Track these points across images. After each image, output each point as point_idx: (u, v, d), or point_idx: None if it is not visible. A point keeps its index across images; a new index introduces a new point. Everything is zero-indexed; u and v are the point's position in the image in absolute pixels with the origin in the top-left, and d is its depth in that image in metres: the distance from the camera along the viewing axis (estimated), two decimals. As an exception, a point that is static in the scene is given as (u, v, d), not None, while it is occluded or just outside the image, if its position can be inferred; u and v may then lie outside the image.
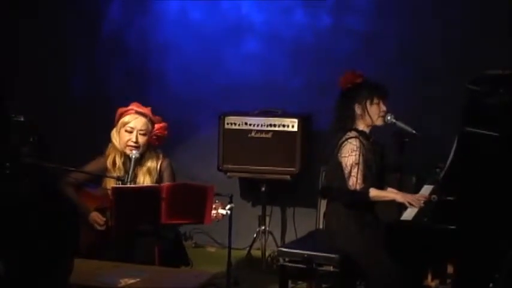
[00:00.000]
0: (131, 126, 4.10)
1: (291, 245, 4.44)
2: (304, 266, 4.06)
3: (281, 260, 4.18)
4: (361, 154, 3.95)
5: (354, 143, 3.97)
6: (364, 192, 3.93)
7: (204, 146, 5.71)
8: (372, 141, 4.06)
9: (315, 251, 4.06)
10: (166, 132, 4.21)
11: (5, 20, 5.96)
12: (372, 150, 4.03)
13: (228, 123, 5.34)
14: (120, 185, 3.91)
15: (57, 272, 2.03)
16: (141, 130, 4.09)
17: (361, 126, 4.08)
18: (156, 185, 3.93)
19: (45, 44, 6.06)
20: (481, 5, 5.19)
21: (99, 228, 4.07)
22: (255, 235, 5.46)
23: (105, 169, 4.13)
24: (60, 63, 6.10)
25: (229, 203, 3.91)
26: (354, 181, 3.93)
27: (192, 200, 3.71)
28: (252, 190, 5.67)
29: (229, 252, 4.48)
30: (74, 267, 2.08)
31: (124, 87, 5.95)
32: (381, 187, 4.08)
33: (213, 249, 5.78)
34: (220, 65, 5.86)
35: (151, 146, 4.17)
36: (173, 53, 5.97)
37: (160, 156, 4.18)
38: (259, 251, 5.44)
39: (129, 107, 4.16)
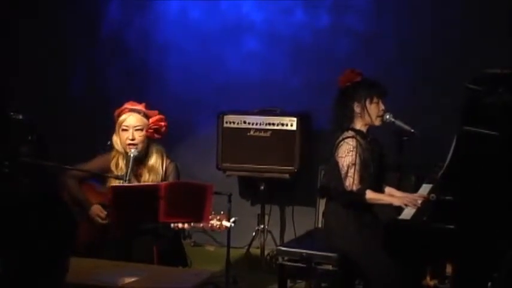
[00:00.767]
0: (126, 124, 4.09)
1: (290, 243, 4.43)
2: (303, 265, 4.06)
3: (280, 258, 4.19)
4: (357, 154, 3.91)
5: (351, 143, 3.94)
6: (361, 193, 3.90)
7: (203, 145, 5.71)
8: (369, 141, 4.03)
9: (313, 250, 4.06)
10: (163, 124, 4.15)
11: (5, 20, 5.96)
12: (370, 150, 4.00)
13: (227, 122, 5.34)
14: (119, 184, 3.91)
15: (55, 272, 2.03)
16: (136, 126, 4.08)
17: (359, 125, 4.04)
18: (155, 183, 3.92)
19: (45, 44, 6.06)
20: (481, 5, 5.18)
21: (100, 221, 4.05)
22: (254, 234, 5.45)
23: (109, 170, 4.13)
24: (60, 63, 6.10)
25: (229, 201, 3.91)
26: (351, 182, 3.90)
27: (191, 199, 3.71)
28: (251, 189, 5.67)
29: (228, 251, 4.49)
30: (73, 266, 2.09)
31: (124, 87, 5.95)
32: (379, 186, 4.07)
33: (212, 248, 5.77)
34: (219, 64, 5.86)
35: (151, 142, 4.16)
36: (173, 53, 5.97)
37: (165, 155, 4.16)
38: (258, 249, 5.43)
39: (123, 107, 4.16)
